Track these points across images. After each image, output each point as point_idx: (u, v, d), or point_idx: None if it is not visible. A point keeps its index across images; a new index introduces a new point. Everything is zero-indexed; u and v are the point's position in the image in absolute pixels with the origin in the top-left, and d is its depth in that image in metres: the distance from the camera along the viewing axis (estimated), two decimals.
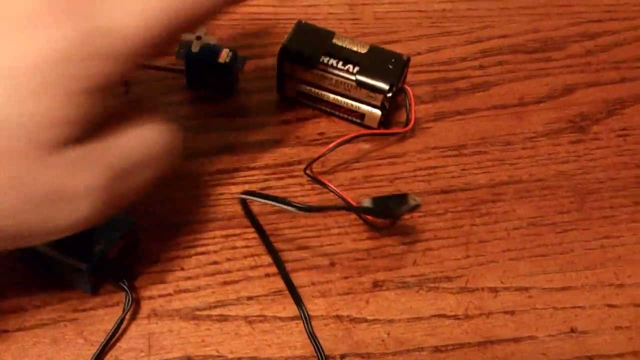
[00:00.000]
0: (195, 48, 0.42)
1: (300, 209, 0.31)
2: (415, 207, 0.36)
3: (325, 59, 0.41)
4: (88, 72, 0.26)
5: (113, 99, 0.28)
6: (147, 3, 0.27)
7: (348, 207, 0.40)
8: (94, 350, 0.34)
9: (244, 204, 0.35)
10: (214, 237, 0.39)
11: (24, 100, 0.25)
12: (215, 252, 0.38)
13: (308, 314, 0.36)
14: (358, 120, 0.43)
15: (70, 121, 0.26)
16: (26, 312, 0.35)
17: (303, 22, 0.43)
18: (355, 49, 0.42)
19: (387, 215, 0.38)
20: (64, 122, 0.26)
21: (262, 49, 0.46)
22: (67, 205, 0.27)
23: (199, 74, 0.43)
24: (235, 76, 0.44)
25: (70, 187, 0.27)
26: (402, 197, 0.36)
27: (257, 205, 0.39)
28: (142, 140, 0.29)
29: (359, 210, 0.40)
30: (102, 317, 0.36)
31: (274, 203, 0.32)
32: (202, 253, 0.38)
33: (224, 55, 0.42)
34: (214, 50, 0.42)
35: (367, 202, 0.37)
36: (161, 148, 0.30)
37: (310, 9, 0.49)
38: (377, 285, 0.38)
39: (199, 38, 0.42)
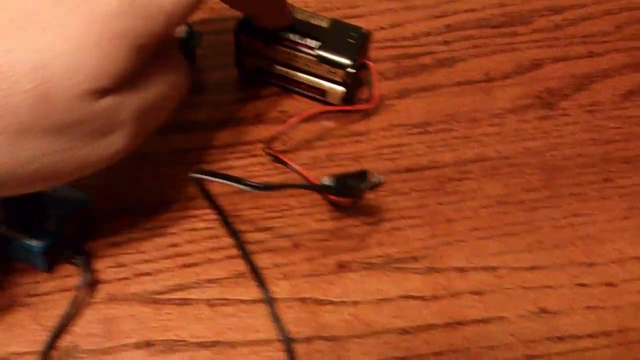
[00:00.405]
0: None
1: (253, 187, 0.30)
2: (377, 184, 0.35)
3: (284, 33, 0.40)
4: (135, 29, 0.28)
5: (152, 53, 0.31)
6: None
7: (306, 185, 0.39)
8: (50, 335, 0.33)
9: (199, 183, 0.34)
10: (172, 219, 0.38)
11: (77, 54, 0.27)
12: (174, 234, 0.37)
13: (271, 297, 0.35)
14: (320, 98, 0.42)
15: (117, 73, 0.29)
16: None
17: None
18: (315, 22, 0.41)
19: (349, 193, 0.37)
20: (112, 74, 0.28)
21: (221, 23, 0.45)
22: (108, 139, 0.30)
23: None
24: (192, 52, 0.42)
25: (111, 125, 0.30)
26: (363, 174, 0.36)
27: (218, 185, 0.38)
28: (164, 81, 0.32)
29: (319, 189, 0.38)
30: (58, 301, 0.35)
31: (226, 182, 0.30)
32: (161, 235, 0.37)
33: (179, 30, 0.40)
34: None
35: (327, 180, 0.36)
36: (177, 83, 0.33)
37: None
38: (341, 266, 0.37)
39: None
